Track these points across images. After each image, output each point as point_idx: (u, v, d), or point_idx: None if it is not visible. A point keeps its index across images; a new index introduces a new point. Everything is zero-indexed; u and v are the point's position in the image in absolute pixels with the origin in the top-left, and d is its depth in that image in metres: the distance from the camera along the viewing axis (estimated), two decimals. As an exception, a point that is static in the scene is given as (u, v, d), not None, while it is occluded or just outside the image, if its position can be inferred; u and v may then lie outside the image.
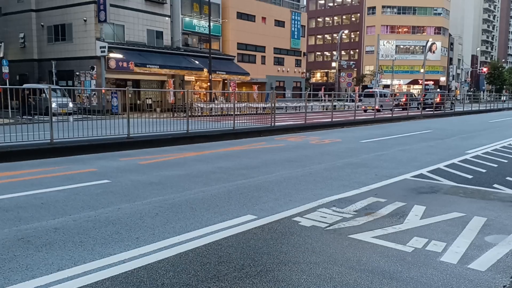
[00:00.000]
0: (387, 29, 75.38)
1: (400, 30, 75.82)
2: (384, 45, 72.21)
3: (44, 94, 22.19)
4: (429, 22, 75.59)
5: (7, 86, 21.06)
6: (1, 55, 24.27)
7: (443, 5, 76.65)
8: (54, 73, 29.68)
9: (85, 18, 29.91)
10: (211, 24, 32.36)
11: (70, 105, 19.76)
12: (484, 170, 8.60)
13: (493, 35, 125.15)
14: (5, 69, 24.68)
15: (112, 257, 3.90)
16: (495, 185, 7.20)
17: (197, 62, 34.97)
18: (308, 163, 9.34)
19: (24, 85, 25.31)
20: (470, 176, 7.93)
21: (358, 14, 78.00)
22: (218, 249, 4.09)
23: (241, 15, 42.16)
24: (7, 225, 4.78)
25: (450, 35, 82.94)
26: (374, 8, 75.66)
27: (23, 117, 12.39)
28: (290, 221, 5.00)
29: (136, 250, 4.07)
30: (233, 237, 4.43)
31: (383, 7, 75.34)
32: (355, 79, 65.47)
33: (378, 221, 5.05)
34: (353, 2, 79.29)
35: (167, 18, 34.56)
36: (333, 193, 6.43)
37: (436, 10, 76.07)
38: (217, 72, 35.04)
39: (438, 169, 8.65)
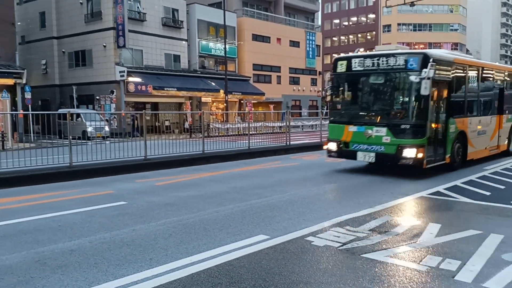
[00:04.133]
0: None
1: (416, 47, 75.41)
2: (400, 62, 71.90)
3: (79, 119, 22.70)
4: (446, 38, 75.23)
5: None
6: (24, 82, 24.94)
7: (459, 21, 76.36)
8: (75, 98, 30.38)
9: (104, 44, 30.71)
10: (227, 46, 32.81)
11: (107, 128, 19.70)
12: (502, 187, 8.45)
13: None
14: (28, 95, 25.34)
15: (125, 278, 3.95)
16: (514, 202, 7.07)
17: (213, 83, 35.39)
18: (323, 181, 9.30)
19: (59, 110, 26.16)
20: (488, 193, 7.79)
21: (374, 32, 78.16)
22: (229, 270, 4.10)
23: (256, 37, 42.66)
24: (24, 248, 4.89)
25: (467, 50, 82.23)
26: (389, 26, 75.77)
27: (43, 141, 12.67)
28: (302, 241, 4.99)
29: (149, 271, 4.12)
30: (245, 258, 4.44)
31: (399, 24, 75.41)
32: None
33: (392, 240, 5.00)
34: (368, 21, 79.60)
35: (184, 42, 35.21)
36: (347, 212, 6.39)
37: (452, 26, 75.81)
38: (233, 92, 35.37)
39: (456, 186, 8.53)
